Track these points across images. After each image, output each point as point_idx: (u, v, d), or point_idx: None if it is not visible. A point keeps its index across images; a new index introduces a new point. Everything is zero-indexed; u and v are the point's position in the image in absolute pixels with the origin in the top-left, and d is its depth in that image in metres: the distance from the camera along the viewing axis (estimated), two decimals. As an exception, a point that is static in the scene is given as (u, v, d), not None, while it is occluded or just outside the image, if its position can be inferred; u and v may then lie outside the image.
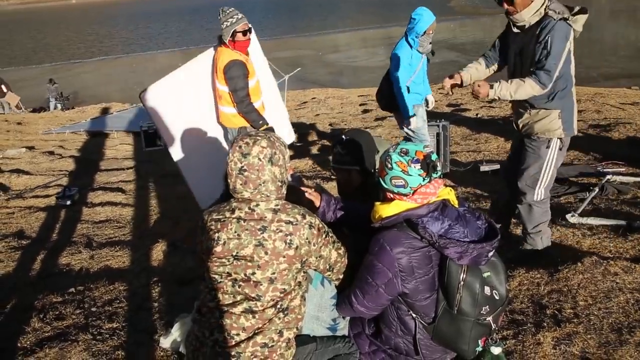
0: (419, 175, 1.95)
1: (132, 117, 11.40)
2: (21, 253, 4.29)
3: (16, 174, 7.16)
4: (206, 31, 35.43)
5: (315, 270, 2.10)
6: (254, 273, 1.90)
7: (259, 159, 1.92)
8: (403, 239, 1.95)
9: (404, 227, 1.98)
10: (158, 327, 3.08)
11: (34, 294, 3.54)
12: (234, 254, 1.92)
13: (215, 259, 1.95)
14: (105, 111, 13.31)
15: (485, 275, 1.99)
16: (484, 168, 5.63)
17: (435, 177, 1.99)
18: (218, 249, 1.93)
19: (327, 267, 2.09)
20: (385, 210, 2.01)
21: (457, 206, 2.06)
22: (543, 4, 2.98)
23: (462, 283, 1.93)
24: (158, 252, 4.20)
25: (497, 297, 2.00)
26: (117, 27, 41.72)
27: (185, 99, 4.51)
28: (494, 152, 6.50)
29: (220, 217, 1.97)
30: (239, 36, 4.17)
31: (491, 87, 2.96)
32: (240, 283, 1.92)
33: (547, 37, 2.93)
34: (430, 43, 4.73)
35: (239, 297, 1.93)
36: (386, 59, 5.15)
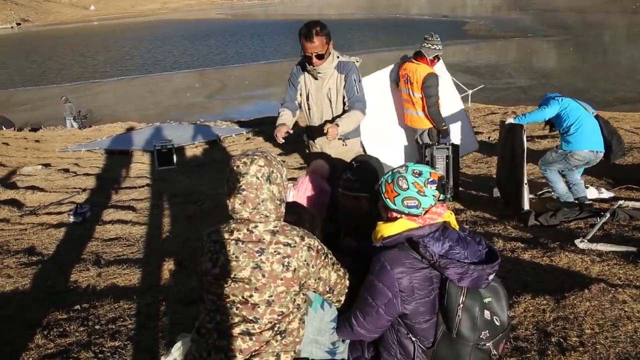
0: (433, 196, 1.99)
1: (147, 136, 11.56)
2: (30, 269, 4.34)
3: (31, 190, 7.26)
4: (219, 54, 35.73)
5: (314, 292, 2.09)
6: (251, 295, 1.90)
7: (257, 177, 1.92)
8: (404, 258, 1.96)
9: (405, 247, 1.99)
10: (160, 346, 3.08)
11: (40, 310, 3.57)
12: (232, 276, 1.92)
13: (213, 280, 1.95)
14: (121, 130, 13.50)
15: (486, 300, 1.99)
16: (497, 193, 5.57)
17: (442, 199, 2.03)
18: (216, 270, 1.94)
19: (327, 289, 2.08)
20: (387, 229, 2.02)
21: (457, 229, 2.07)
22: (333, 54, 3.56)
23: (461, 305, 1.92)
24: (165, 271, 4.22)
25: (497, 323, 1.98)
26: (136, 48, 42.45)
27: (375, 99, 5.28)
28: (504, 176, 6.44)
29: (219, 238, 1.97)
30: (436, 60, 5.44)
31: (337, 125, 3.31)
32: (238, 305, 1.92)
33: (353, 75, 3.54)
34: None
35: (236, 319, 1.93)
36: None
